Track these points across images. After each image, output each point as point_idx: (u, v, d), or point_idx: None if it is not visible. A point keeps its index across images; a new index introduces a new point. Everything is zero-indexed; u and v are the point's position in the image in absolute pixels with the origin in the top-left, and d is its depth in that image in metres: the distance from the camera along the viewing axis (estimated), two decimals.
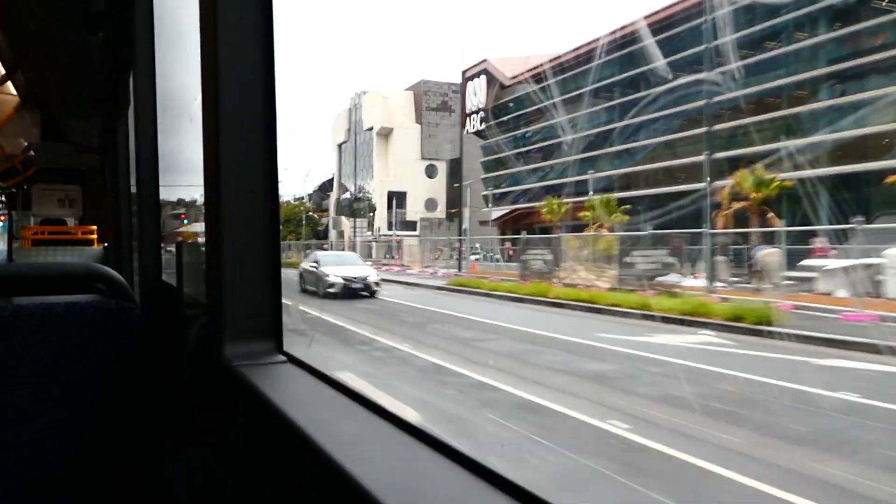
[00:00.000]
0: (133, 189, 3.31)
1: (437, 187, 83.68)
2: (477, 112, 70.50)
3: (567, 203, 43.30)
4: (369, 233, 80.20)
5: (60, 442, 1.57)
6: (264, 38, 1.41)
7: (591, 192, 41.01)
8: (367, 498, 0.76)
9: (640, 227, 33.95)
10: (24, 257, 7.06)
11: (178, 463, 1.85)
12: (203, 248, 1.58)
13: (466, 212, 49.72)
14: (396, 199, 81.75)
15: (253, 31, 1.41)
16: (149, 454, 1.69)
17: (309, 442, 0.93)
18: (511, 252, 42.91)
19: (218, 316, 1.41)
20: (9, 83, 4.56)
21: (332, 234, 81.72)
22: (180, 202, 4.03)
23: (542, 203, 46.10)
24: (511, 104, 63.01)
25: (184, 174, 3.18)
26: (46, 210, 8.41)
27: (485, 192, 65.67)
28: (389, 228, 77.99)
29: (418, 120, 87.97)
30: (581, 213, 39.10)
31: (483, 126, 68.53)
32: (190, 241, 2.90)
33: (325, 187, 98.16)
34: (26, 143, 7.01)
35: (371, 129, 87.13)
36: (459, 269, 36.09)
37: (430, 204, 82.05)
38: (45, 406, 1.56)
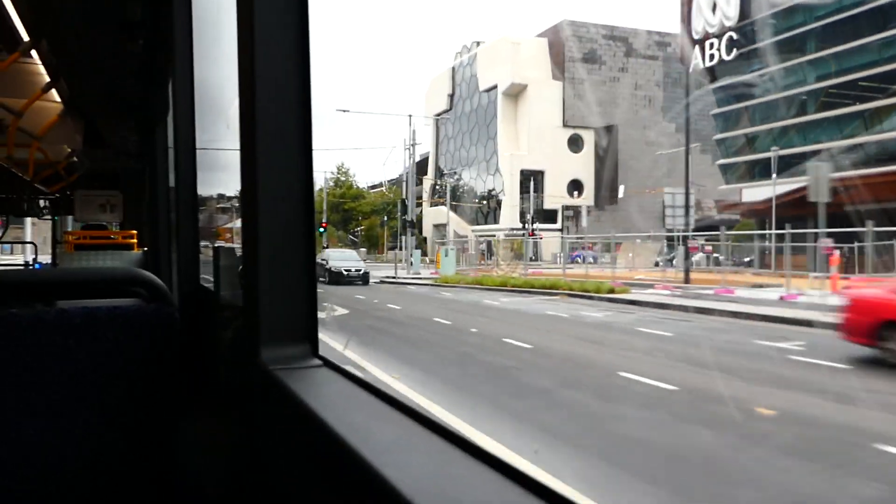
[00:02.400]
0: (172, 194, 3.36)
1: (583, 164, 64.32)
2: (712, 37, 44.05)
3: None
4: (490, 227, 62.16)
5: (98, 442, 1.59)
6: (300, 42, 1.42)
7: None
8: (402, 503, 0.75)
9: None
10: (67, 261, 7.21)
11: (212, 466, 1.86)
12: (239, 252, 1.59)
13: (681, 194, 27.50)
14: (533, 180, 60.17)
15: (290, 36, 1.41)
16: (183, 456, 1.70)
17: (344, 446, 0.92)
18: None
19: (254, 319, 1.42)
20: (52, 90, 4.67)
21: (428, 228, 67.39)
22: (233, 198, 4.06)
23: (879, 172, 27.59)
24: (781, 19, 38.44)
25: (222, 178, 3.22)
26: (88, 215, 8.58)
27: (725, 161, 43.14)
28: (522, 220, 57.26)
29: (557, 76, 65.19)
30: None
31: (726, 56, 42.65)
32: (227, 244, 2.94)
33: (420, 169, 74.79)
34: (69, 150, 7.17)
35: (493, 88, 66.53)
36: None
37: (575, 188, 61.79)
38: (85, 406, 1.59)
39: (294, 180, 1.43)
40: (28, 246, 15.92)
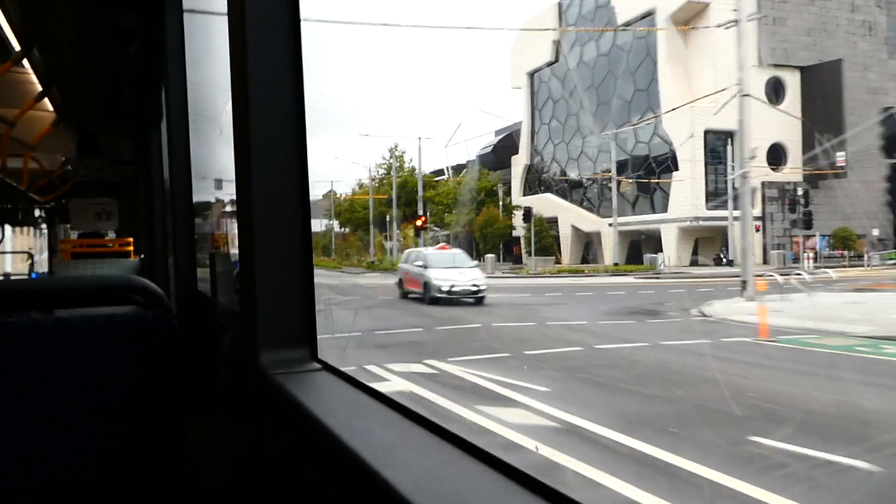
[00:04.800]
0: (167, 200, 3.35)
1: (785, 122, 40.22)
2: None
3: None
4: (646, 217, 44.19)
5: (97, 450, 1.59)
6: (293, 48, 1.42)
7: None
8: None
9: None
10: (63, 270, 7.19)
11: (214, 472, 1.86)
12: (236, 257, 1.59)
13: None
14: (721, 143, 41.19)
15: (281, 41, 1.41)
16: (185, 463, 1.70)
17: (346, 449, 0.92)
18: None
19: (252, 324, 1.42)
20: (45, 99, 4.66)
21: (518, 224, 49.04)
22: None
23: None
24: None
25: (217, 184, 3.22)
26: (84, 223, 8.57)
27: None
28: (709, 202, 41.09)
29: None
30: None
31: None
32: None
33: (502, 148, 60.33)
34: (63, 159, 7.16)
35: (646, 16, 45.39)
36: None
37: (777, 156, 40.70)
38: (83, 415, 1.58)
39: (289, 184, 1.43)
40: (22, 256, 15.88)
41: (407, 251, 30.47)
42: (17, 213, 10.88)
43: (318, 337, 1.45)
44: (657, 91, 46.27)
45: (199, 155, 2.89)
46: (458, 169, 58.87)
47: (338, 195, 62.55)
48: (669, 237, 42.15)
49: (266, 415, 1.39)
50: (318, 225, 61.81)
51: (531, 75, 57.78)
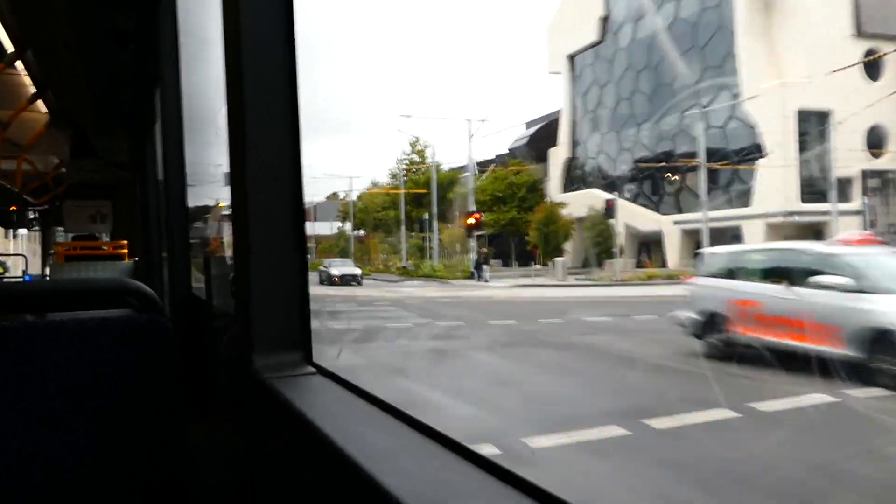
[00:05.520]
0: (162, 203, 3.35)
1: (886, 100, 31.75)
2: None
3: None
4: (725, 213, 34.41)
5: (91, 455, 1.58)
6: (287, 50, 1.42)
7: None
8: None
9: None
10: (57, 273, 7.17)
11: (209, 475, 1.85)
12: (230, 261, 1.58)
13: None
14: (812, 123, 35.01)
15: (276, 43, 1.41)
16: (183, 464, 1.69)
17: (340, 453, 0.92)
18: None
19: (246, 328, 1.41)
20: (39, 101, 4.65)
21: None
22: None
23: None
24: None
25: (212, 187, 3.21)
26: (78, 226, 8.54)
27: None
28: (805, 193, 34.30)
29: None
30: None
31: None
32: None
33: (538, 140, 52.91)
34: (57, 161, 7.14)
35: None
36: None
37: (877, 140, 33.63)
38: (76, 419, 1.58)
39: (284, 187, 1.42)
40: (18, 258, 15.84)
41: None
42: (12, 216, 10.84)
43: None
44: (734, 68, 39.01)
45: (194, 157, 2.89)
46: (483, 165, 50.34)
47: (343, 195, 59.23)
48: (754, 235, 33.32)
49: (262, 417, 1.39)
50: (327, 228, 59.25)
51: (572, 58, 50.36)
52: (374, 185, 57.25)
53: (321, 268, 36.95)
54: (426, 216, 47.53)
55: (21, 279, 12.04)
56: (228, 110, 1.50)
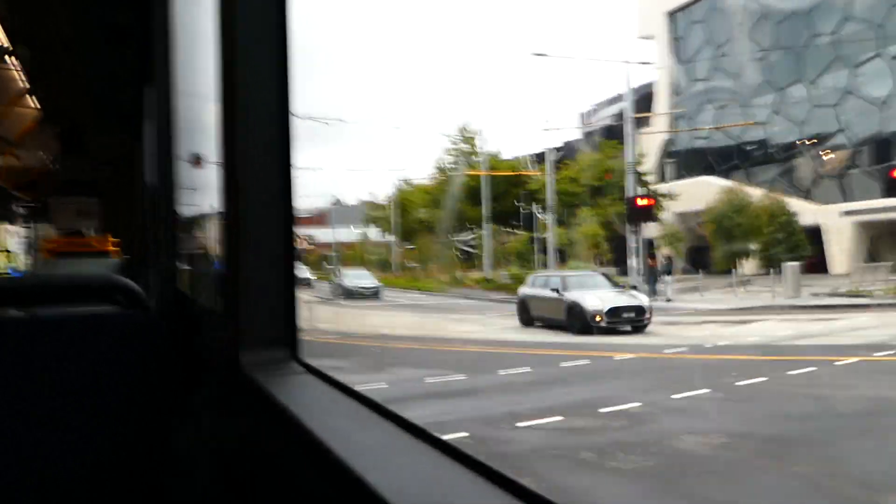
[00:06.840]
0: (150, 200, 3.33)
1: None
2: None
3: None
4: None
5: (80, 446, 1.58)
6: (280, 50, 1.42)
7: None
8: None
9: None
10: (44, 268, 7.13)
11: (195, 471, 1.85)
12: (219, 258, 1.58)
13: None
14: None
15: (269, 43, 1.41)
16: (166, 462, 1.69)
17: (326, 451, 0.92)
18: None
19: (234, 325, 1.41)
20: (30, 97, 4.62)
21: (667, 216, 32.17)
22: None
23: None
24: None
25: (202, 185, 3.20)
26: (66, 222, 8.50)
27: None
28: None
29: None
30: None
31: None
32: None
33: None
34: (47, 157, 7.10)
35: None
36: None
37: None
38: (64, 412, 1.57)
39: (274, 185, 1.42)
40: None
41: None
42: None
43: None
44: None
45: (183, 154, 2.87)
46: (541, 158, 37.36)
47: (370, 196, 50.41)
48: None
49: (247, 415, 1.38)
50: (345, 234, 51.51)
51: (672, 15, 39.81)
52: (406, 182, 47.73)
53: (332, 279, 32.74)
54: (529, 210, 37.83)
55: (5, 274, 11.95)
56: (220, 108, 1.50)
